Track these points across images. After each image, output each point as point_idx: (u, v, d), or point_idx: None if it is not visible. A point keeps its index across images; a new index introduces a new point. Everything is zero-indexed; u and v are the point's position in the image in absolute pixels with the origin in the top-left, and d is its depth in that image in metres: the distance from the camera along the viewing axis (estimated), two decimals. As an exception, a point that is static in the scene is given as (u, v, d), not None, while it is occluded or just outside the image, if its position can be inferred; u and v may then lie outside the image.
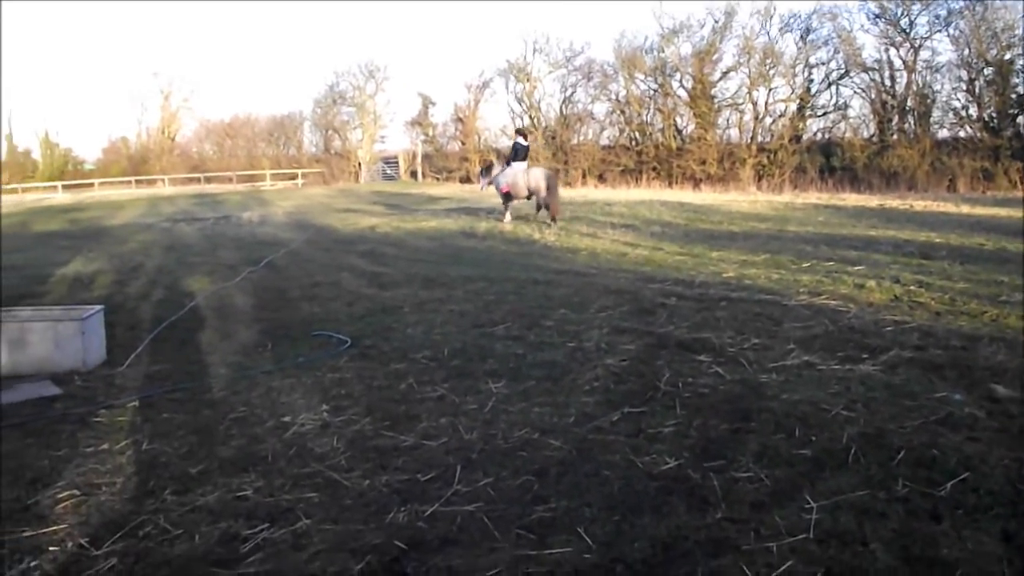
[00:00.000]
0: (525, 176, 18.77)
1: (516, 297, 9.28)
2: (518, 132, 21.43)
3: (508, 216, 19.08)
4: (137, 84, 63.80)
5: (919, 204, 22.15)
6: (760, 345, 6.70)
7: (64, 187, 52.38)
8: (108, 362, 7.16)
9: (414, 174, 51.31)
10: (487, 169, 21.79)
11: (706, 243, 13.97)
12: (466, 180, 45.04)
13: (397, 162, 55.34)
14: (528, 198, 19.16)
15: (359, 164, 52.68)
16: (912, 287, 9.11)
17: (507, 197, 19.26)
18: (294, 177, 51.71)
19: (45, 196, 48.91)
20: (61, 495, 4.29)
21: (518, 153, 19.42)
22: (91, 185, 54.03)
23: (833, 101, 38.29)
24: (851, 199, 25.43)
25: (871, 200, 24.89)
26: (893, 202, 23.25)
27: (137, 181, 55.02)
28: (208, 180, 53.88)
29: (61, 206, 37.34)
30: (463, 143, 49.55)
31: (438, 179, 48.70)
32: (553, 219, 17.99)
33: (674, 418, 5.04)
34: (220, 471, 4.53)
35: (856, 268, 10.54)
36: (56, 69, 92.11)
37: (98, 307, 7.45)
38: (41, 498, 4.26)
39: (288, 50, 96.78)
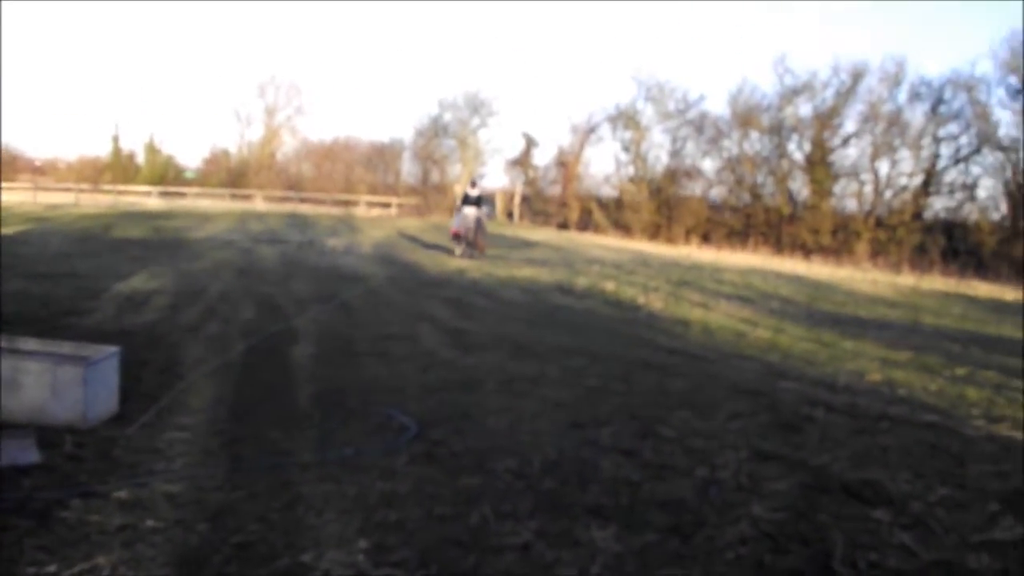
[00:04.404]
0: (465, 220, 22.78)
1: (624, 386, 7.56)
2: (471, 184, 25.51)
3: (458, 250, 22.93)
4: (243, 99, 63.73)
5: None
6: (950, 499, 4.97)
7: (160, 193, 52.21)
8: (119, 417, 5.74)
9: (510, 215, 49.97)
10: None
11: (834, 329, 12.31)
12: (564, 226, 43.72)
13: (493, 201, 54.23)
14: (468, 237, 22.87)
15: (456, 199, 51.67)
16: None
17: (456, 237, 23.22)
18: (388, 205, 50.77)
19: (140, 200, 48.83)
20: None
21: (467, 200, 23.33)
22: (184, 194, 53.92)
23: (961, 179, 36.21)
24: (982, 289, 23.42)
25: (1004, 292, 22.88)
26: (1025, 294, 21.30)
27: (232, 194, 54.80)
28: (302, 200, 53.33)
29: (151, 212, 36.88)
30: (564, 188, 48.25)
31: (534, 223, 47.42)
32: (477, 250, 22.67)
33: (865, 628, 3.41)
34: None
35: (1027, 383, 8.78)
36: (165, 77, 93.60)
37: (112, 350, 6.03)
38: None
39: (394, 77, 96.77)
